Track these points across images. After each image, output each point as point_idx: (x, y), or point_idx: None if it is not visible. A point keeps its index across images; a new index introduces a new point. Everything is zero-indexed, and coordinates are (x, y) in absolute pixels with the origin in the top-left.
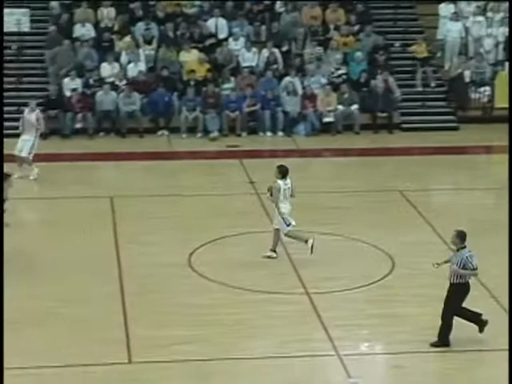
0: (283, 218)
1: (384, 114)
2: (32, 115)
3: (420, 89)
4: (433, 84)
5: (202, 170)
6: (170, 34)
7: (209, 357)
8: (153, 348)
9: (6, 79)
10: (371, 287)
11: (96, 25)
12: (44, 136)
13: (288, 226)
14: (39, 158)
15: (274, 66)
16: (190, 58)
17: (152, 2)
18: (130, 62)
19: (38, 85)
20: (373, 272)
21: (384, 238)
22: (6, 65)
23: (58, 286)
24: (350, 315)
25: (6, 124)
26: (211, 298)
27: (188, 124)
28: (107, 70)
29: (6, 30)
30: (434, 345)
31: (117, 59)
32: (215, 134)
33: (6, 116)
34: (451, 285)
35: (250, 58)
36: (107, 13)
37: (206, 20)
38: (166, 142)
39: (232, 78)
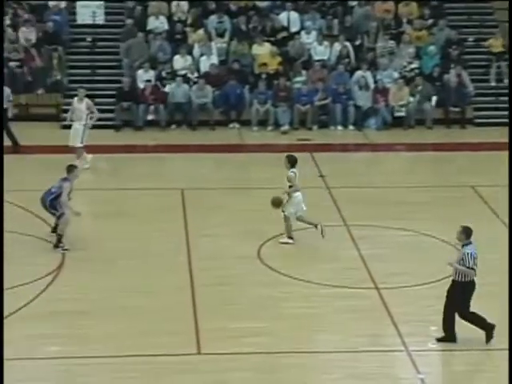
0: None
1: (457, 109)
2: (82, 104)
3: (494, 84)
4: (507, 79)
5: (273, 163)
6: (243, 27)
7: (277, 350)
8: (222, 340)
9: (80, 71)
10: (441, 283)
11: (169, 18)
12: (117, 128)
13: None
14: (112, 149)
15: (346, 60)
16: (262, 51)
17: None
18: (202, 55)
19: (111, 77)
20: (443, 267)
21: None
22: (80, 57)
23: (129, 278)
24: (420, 311)
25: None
26: (280, 291)
27: (259, 117)
28: (180, 62)
29: (81, 22)
30: (440, 339)
31: (189, 52)
32: (286, 127)
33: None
34: (453, 282)
35: (321, 52)
36: (180, 6)
37: (278, 13)
38: (236, 134)
39: (303, 72)
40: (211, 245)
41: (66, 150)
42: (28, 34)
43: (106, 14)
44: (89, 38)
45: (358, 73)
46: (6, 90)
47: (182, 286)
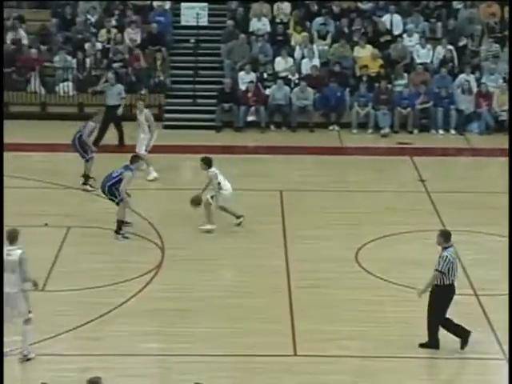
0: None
1: None
2: (141, 116)
3: None
4: None
5: (372, 166)
6: (345, 29)
7: (373, 354)
8: (318, 342)
9: (183, 72)
10: None
11: (272, 19)
12: (217, 129)
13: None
14: (212, 150)
15: (450, 64)
16: (364, 53)
17: None
18: (303, 57)
19: (213, 78)
20: None
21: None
22: (183, 58)
23: (227, 277)
24: None
25: (181, 116)
26: (377, 294)
27: (359, 120)
28: (281, 64)
29: (185, 23)
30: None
31: (291, 54)
32: (386, 130)
33: (181, 108)
34: (435, 285)
35: (424, 55)
36: (283, 8)
37: (380, 16)
38: (336, 137)
39: (405, 75)
40: (309, 246)
41: (167, 149)
42: (133, 35)
43: (210, 15)
44: (192, 40)
45: (461, 76)
46: (119, 87)
47: (279, 287)
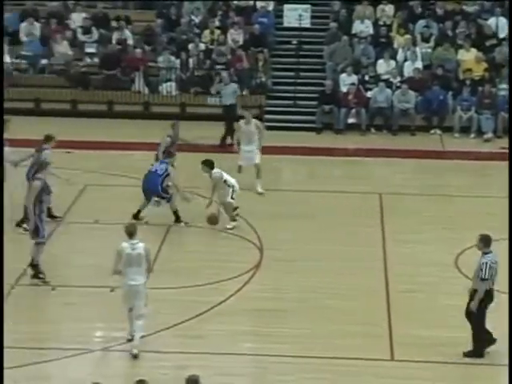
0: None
1: None
2: (250, 126)
3: None
4: None
5: (474, 170)
6: (449, 32)
7: (472, 361)
8: (415, 347)
9: (284, 73)
10: None
11: (375, 22)
12: (317, 130)
13: None
14: (312, 151)
15: None
16: (468, 56)
17: (432, 0)
18: (406, 60)
19: (314, 80)
20: None
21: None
22: (285, 59)
23: (324, 279)
24: None
25: (282, 117)
26: None
27: (462, 124)
28: (383, 66)
29: (287, 24)
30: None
31: (393, 56)
32: (489, 135)
33: (282, 109)
34: (474, 291)
35: None
36: (386, 10)
37: (486, 19)
38: (438, 140)
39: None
40: (408, 250)
41: (267, 150)
42: (236, 36)
43: (312, 17)
44: (294, 41)
45: None
46: (233, 85)
47: (376, 290)
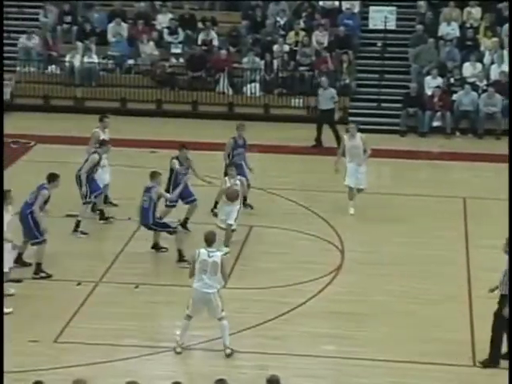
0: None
1: None
2: (355, 140)
3: None
4: None
5: None
6: None
7: None
8: None
9: (369, 75)
10: None
11: (461, 24)
12: (402, 133)
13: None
14: (396, 154)
15: None
16: None
17: None
18: (492, 63)
19: (399, 82)
20: None
21: None
22: (370, 61)
23: (406, 283)
24: None
25: (366, 119)
26: None
27: None
28: (469, 69)
29: (372, 27)
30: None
31: (479, 59)
32: None
33: (366, 112)
34: (500, 296)
35: None
36: (473, 12)
37: None
38: None
39: None
40: (490, 256)
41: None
42: (321, 38)
43: (398, 19)
44: (379, 43)
45: None
46: (331, 91)
47: (458, 295)
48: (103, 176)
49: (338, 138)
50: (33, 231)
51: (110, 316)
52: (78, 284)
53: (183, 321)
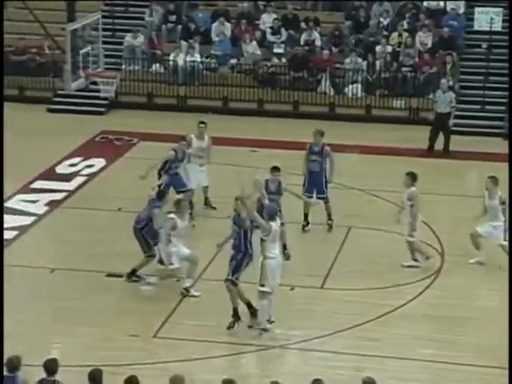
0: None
1: None
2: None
3: None
4: None
5: None
6: None
7: None
8: None
9: (473, 77)
10: None
11: None
12: (505, 136)
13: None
14: (500, 158)
15: None
16: None
17: None
18: None
19: (504, 84)
20: None
21: None
22: (474, 63)
23: (507, 288)
24: None
25: (469, 122)
26: None
27: None
28: None
29: (478, 28)
30: None
31: None
32: None
33: (470, 114)
34: None
35: None
36: None
37: None
38: None
39: None
40: None
41: (454, 155)
42: (424, 39)
43: (504, 20)
44: (484, 45)
45: None
46: (450, 94)
47: None
48: (198, 177)
49: (448, 144)
50: (145, 246)
51: (208, 313)
52: (178, 280)
53: (264, 302)
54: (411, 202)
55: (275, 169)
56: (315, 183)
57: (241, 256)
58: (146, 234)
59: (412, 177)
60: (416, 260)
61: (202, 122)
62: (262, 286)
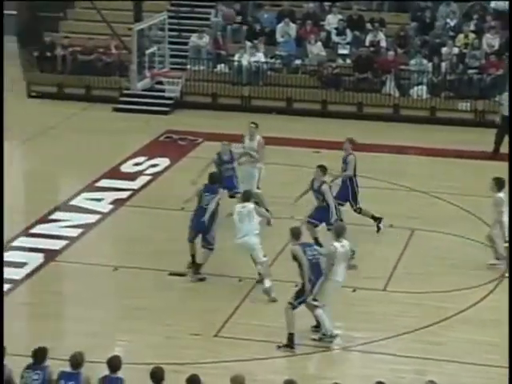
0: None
1: None
2: None
3: None
4: None
5: None
6: None
7: None
8: None
9: None
10: None
11: None
12: None
13: None
14: None
15: None
16: None
17: None
18: None
19: None
20: None
21: None
22: None
23: None
24: None
25: None
26: None
27: None
28: None
29: None
30: None
31: None
32: None
33: None
34: None
35: None
36: None
37: None
38: None
39: None
40: None
41: None
42: (491, 41)
43: None
44: None
45: None
46: None
47: None
48: (250, 181)
49: (499, 145)
50: (208, 239)
51: (270, 313)
52: (240, 280)
53: (319, 311)
54: (497, 207)
55: (321, 168)
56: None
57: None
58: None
59: (497, 182)
60: (498, 259)
61: (253, 123)
62: (315, 300)
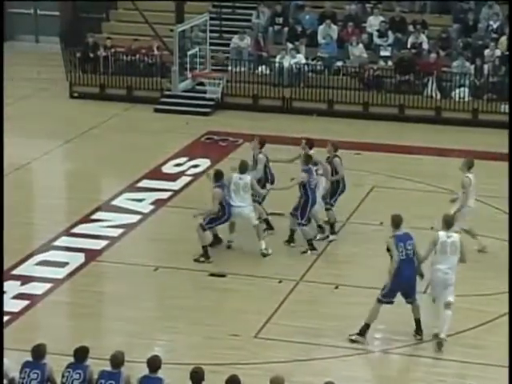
0: None
1: None
2: None
3: None
4: None
5: None
6: None
7: None
8: None
9: None
10: None
11: None
12: None
13: None
14: None
15: None
16: None
17: None
18: None
19: None
20: None
21: None
22: None
23: None
24: None
25: None
26: None
27: None
28: None
29: None
30: None
31: None
32: None
33: None
34: None
35: None
36: None
37: None
38: None
39: None
40: None
41: None
42: None
43: None
44: None
45: None
46: None
47: None
48: None
49: None
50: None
51: (309, 315)
52: (280, 281)
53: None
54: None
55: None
56: None
57: None
58: None
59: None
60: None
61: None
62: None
